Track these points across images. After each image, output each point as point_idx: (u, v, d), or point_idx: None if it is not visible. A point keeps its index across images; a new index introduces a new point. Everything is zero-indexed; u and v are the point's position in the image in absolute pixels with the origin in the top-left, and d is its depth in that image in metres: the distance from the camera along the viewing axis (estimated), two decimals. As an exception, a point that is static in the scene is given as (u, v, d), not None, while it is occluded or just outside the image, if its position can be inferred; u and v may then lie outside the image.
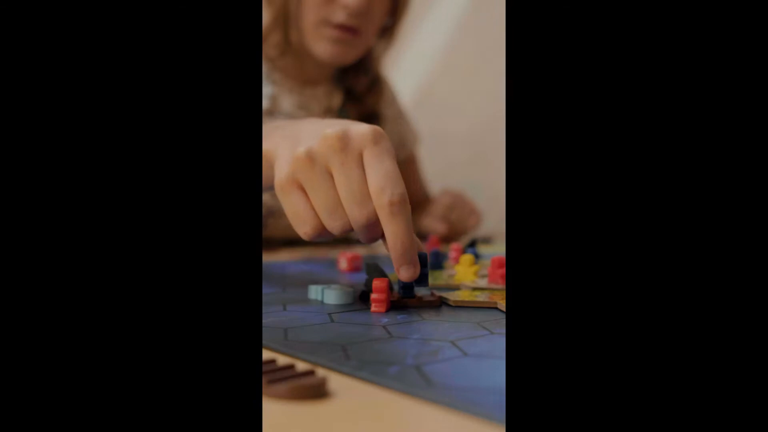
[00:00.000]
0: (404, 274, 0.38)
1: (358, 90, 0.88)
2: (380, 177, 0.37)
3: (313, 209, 0.39)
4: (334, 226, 0.38)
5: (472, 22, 1.39)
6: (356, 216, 0.37)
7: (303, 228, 0.39)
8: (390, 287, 0.39)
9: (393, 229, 0.37)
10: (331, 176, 0.38)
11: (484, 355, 0.28)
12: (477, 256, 0.60)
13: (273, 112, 0.81)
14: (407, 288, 0.40)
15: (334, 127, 0.38)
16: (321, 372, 0.26)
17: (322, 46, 0.76)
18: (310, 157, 0.38)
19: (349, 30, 0.76)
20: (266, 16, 0.78)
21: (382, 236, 0.39)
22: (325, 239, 0.40)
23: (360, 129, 0.38)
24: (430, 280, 0.46)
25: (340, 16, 0.74)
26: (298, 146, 0.39)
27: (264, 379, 0.23)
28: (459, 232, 0.87)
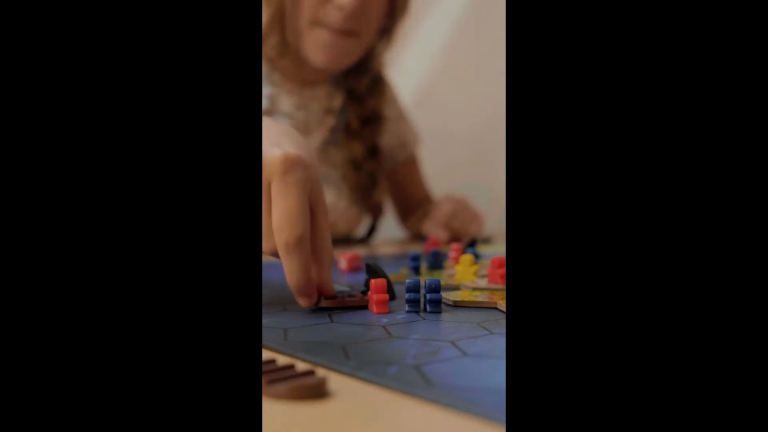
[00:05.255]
0: (301, 302, 0.39)
1: (359, 91, 0.87)
2: (281, 215, 0.36)
3: None
4: None
5: (472, 22, 1.39)
6: (263, 247, 0.38)
7: None
8: (390, 287, 0.39)
9: (288, 267, 0.37)
10: None
11: (484, 355, 0.28)
12: (477, 256, 0.60)
13: (272, 113, 0.81)
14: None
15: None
16: (321, 372, 0.26)
17: (315, 53, 0.76)
18: None
19: (344, 33, 0.75)
20: (265, 16, 0.78)
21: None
22: None
23: (270, 157, 0.36)
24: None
25: (334, 18, 0.73)
26: None
27: (264, 379, 0.23)
28: (461, 236, 0.87)
